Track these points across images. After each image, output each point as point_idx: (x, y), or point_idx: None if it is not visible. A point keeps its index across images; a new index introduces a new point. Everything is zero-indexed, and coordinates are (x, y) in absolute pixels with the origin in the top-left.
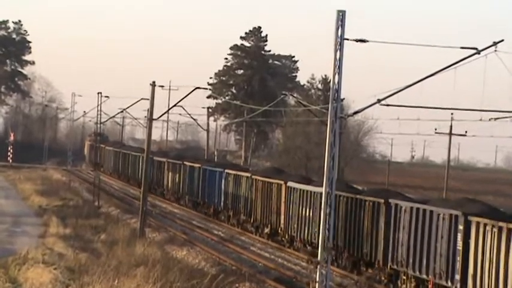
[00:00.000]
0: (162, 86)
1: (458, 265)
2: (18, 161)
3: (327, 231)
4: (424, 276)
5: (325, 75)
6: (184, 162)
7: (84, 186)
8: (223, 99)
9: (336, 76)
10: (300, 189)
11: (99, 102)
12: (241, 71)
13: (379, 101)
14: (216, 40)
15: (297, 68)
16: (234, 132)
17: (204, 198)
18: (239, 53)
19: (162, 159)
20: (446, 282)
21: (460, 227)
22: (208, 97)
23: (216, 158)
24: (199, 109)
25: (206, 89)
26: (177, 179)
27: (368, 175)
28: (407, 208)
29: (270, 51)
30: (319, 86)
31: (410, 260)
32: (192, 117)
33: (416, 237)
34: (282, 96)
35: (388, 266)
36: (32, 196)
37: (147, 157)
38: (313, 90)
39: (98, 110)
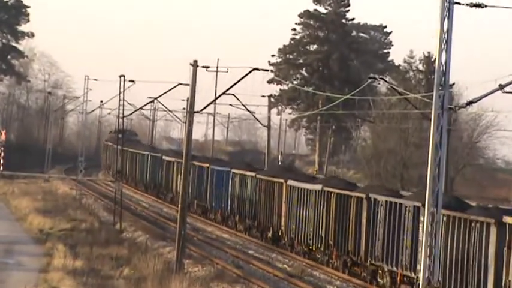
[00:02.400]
0: (207, 67)
1: (420, 256)
2: (11, 168)
3: (431, 262)
4: (395, 268)
5: (429, 53)
6: (193, 162)
7: (101, 203)
8: (289, 85)
9: (443, 54)
10: (299, 188)
11: (122, 89)
12: (315, 46)
13: (501, 87)
14: (278, 4)
15: (390, 42)
16: (304, 129)
17: (212, 202)
18: (311, 22)
19: (171, 159)
20: (410, 272)
21: (422, 218)
22: (269, 82)
23: (280, 164)
24: (257, 98)
25: (267, 70)
26: None
27: (486, 188)
28: (383, 202)
29: (353, 19)
30: (420, 66)
31: (385, 255)
32: (247, 109)
33: (389, 231)
34: (369, 80)
35: (368, 262)
36: (30, 216)
37: (186, 163)
38: (412, 73)
39: (120, 99)
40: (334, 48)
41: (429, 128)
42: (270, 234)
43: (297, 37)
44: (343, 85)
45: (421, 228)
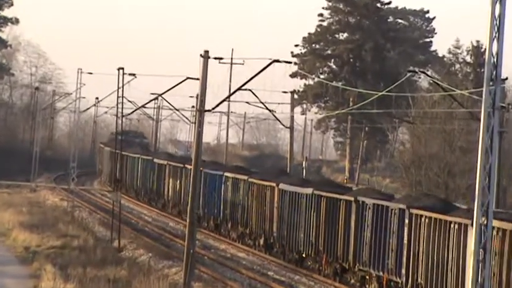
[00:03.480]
0: (220, 59)
1: (404, 259)
2: None
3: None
4: (381, 273)
5: (478, 42)
6: (186, 166)
7: (97, 217)
8: (316, 79)
9: (494, 43)
10: (290, 192)
11: (121, 84)
12: (345, 34)
13: None
14: None
15: (433, 29)
16: (332, 131)
17: (204, 208)
18: (341, 6)
19: (162, 162)
20: (395, 277)
21: (406, 221)
22: (292, 76)
23: (304, 171)
24: (277, 95)
25: (289, 62)
26: (177, 187)
27: None
28: (370, 205)
29: (390, 3)
30: (468, 58)
31: (372, 259)
32: (266, 107)
33: (377, 235)
34: (408, 74)
35: (356, 268)
36: (13, 232)
37: (196, 169)
38: (458, 66)
39: (118, 95)
40: (367, 36)
41: (478, 130)
42: (261, 242)
43: (325, 24)
44: (377, 80)
45: (405, 231)
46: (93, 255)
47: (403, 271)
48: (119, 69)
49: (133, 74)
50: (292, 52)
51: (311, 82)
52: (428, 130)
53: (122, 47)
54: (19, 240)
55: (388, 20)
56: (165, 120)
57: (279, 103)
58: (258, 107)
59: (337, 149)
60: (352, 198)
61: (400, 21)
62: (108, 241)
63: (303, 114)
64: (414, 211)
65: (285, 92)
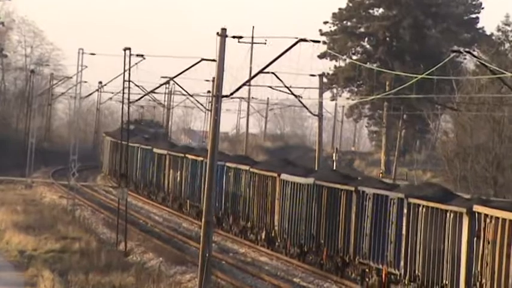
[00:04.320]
0: (239, 37)
1: (403, 250)
2: None
3: None
4: (380, 266)
5: None
6: (187, 155)
7: (100, 217)
8: (347, 61)
9: None
10: (292, 182)
11: (128, 66)
12: (380, 10)
13: None
14: None
15: (480, 4)
16: (366, 119)
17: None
18: None
19: (162, 152)
20: (394, 269)
21: (405, 211)
22: (321, 57)
23: (335, 165)
24: (304, 78)
25: (317, 42)
26: (178, 179)
27: None
28: (370, 195)
29: None
30: None
31: (372, 252)
32: (292, 93)
33: (376, 226)
34: (452, 55)
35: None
36: (7, 233)
37: (212, 162)
38: (508, 45)
39: (124, 79)
40: (405, 12)
41: None
42: (263, 236)
43: None
44: (417, 61)
45: (404, 221)
46: (96, 259)
47: (402, 263)
48: (125, 50)
49: (142, 55)
50: (320, 30)
51: (342, 64)
52: (474, 118)
53: (128, 25)
54: (13, 243)
55: None
56: (177, 107)
57: (305, 88)
58: (283, 92)
59: (371, 140)
60: (353, 188)
61: None
62: (113, 244)
63: (333, 100)
64: (412, 200)
65: (312, 75)
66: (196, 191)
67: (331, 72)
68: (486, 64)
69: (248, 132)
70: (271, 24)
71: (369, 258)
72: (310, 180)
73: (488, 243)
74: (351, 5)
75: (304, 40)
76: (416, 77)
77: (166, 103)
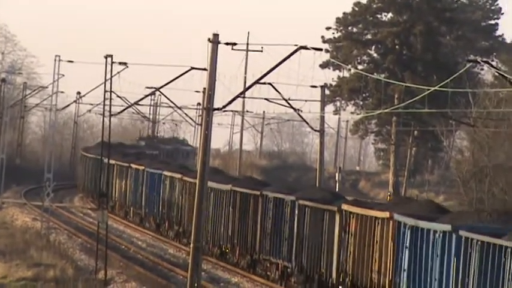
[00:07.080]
0: (233, 44)
1: (294, 246)
2: None
3: None
4: (279, 261)
5: None
6: (131, 165)
7: (78, 242)
8: (352, 71)
9: None
10: (214, 189)
11: (109, 75)
12: (389, 15)
13: None
14: None
15: (499, 9)
16: (373, 135)
17: (146, 208)
18: None
19: (111, 162)
20: (287, 263)
21: (296, 211)
22: (323, 66)
23: (337, 185)
24: (305, 90)
25: (319, 49)
26: (123, 187)
27: None
28: (271, 198)
29: None
30: None
31: (271, 249)
32: (290, 106)
33: (276, 226)
34: (468, 65)
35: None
36: None
37: (202, 181)
38: None
39: (105, 90)
40: (417, 18)
41: None
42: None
43: (364, 1)
44: (429, 72)
45: (295, 220)
46: None
47: (293, 257)
48: (106, 57)
49: (125, 63)
50: (323, 37)
51: (346, 74)
52: (492, 134)
53: (110, 30)
54: None
55: None
56: (165, 122)
57: (306, 100)
58: (280, 104)
59: (378, 158)
60: (258, 193)
61: None
62: (91, 272)
63: (336, 114)
64: (301, 202)
65: (313, 87)
66: (139, 198)
67: (334, 83)
68: (506, 75)
69: (242, 149)
70: (268, 30)
71: (270, 254)
72: (228, 187)
73: (351, 235)
74: (356, 9)
75: (305, 48)
76: (428, 89)
77: (151, 116)
